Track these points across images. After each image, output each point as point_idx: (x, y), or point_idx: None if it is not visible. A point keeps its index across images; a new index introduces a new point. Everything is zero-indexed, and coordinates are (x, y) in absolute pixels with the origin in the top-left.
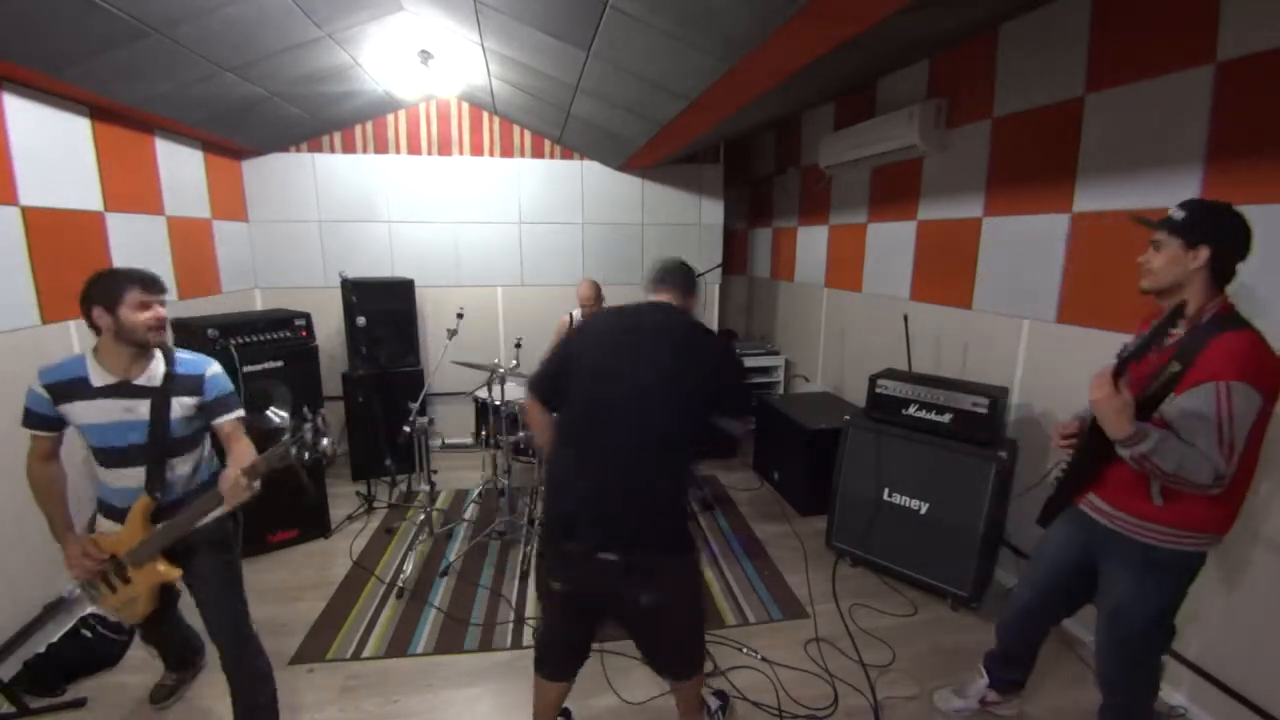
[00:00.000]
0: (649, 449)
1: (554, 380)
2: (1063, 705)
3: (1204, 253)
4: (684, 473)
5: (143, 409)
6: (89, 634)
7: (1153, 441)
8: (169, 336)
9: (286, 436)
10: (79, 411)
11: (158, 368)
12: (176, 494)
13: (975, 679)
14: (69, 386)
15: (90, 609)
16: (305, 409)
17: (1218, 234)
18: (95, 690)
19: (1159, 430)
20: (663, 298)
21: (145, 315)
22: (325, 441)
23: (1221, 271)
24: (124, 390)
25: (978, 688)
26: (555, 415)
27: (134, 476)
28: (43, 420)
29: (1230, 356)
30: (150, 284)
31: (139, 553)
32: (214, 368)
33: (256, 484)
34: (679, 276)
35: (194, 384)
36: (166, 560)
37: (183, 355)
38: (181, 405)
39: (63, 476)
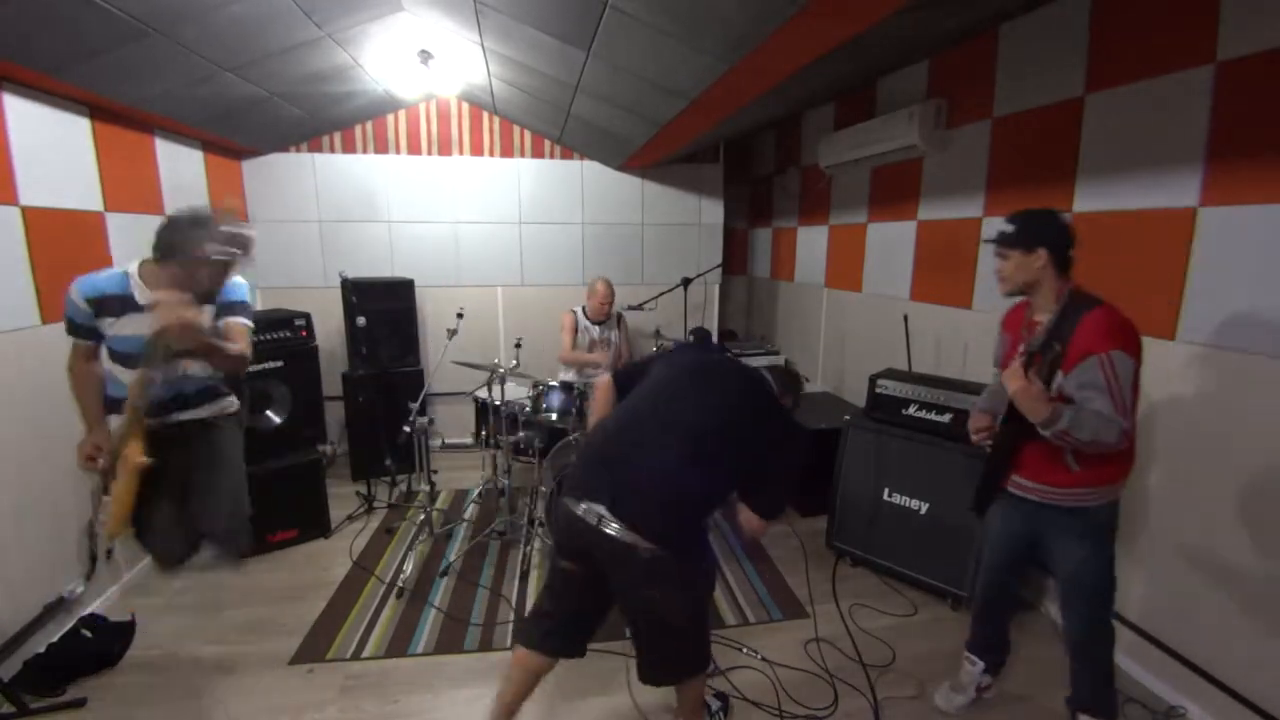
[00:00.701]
0: (688, 460)
1: (637, 370)
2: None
3: (1042, 253)
4: (712, 497)
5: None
6: (89, 634)
7: (1068, 417)
8: None
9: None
10: (118, 324)
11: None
12: (190, 389)
13: (966, 669)
14: (112, 302)
15: (90, 609)
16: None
17: (1046, 235)
18: (95, 690)
19: (1070, 406)
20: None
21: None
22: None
23: (1061, 263)
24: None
25: (973, 676)
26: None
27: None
28: (86, 330)
29: (1100, 331)
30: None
31: (118, 432)
32: (237, 279)
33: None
34: (783, 381)
35: (223, 305)
36: (143, 449)
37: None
38: (206, 313)
39: (100, 375)
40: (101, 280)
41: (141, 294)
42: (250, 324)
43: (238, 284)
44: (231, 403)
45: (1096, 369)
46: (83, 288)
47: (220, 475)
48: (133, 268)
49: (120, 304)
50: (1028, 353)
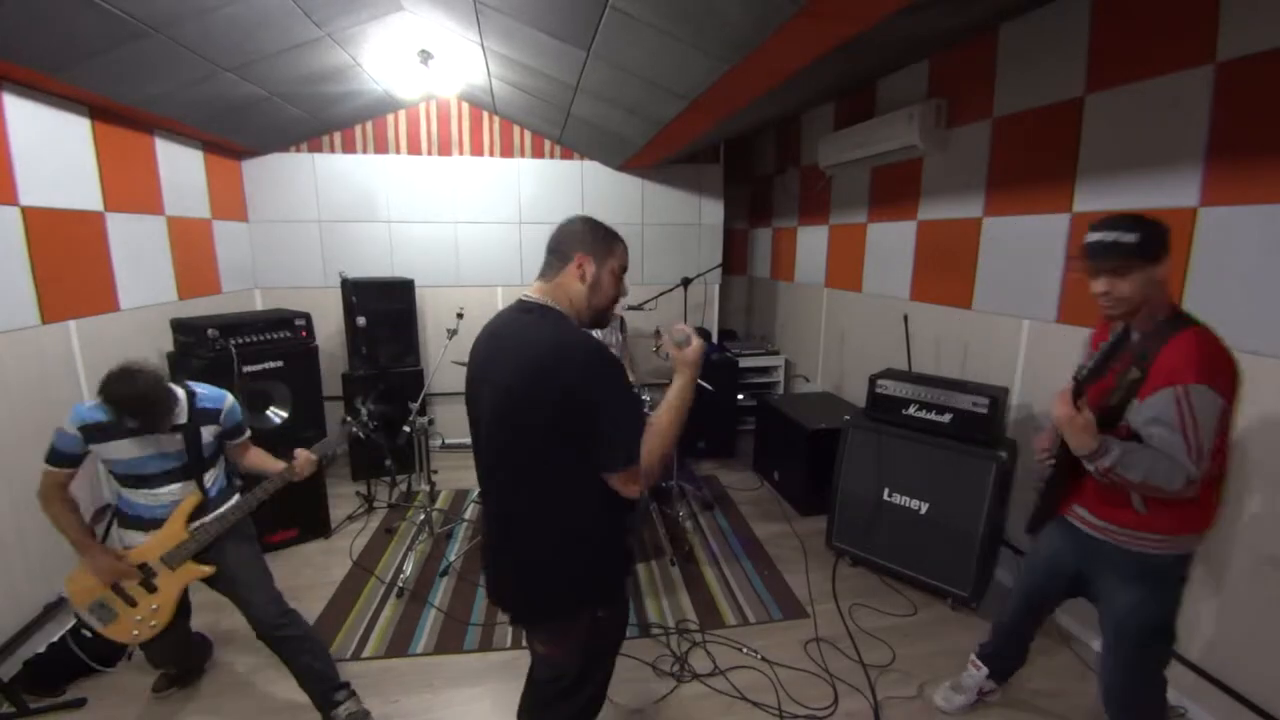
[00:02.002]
0: (512, 489)
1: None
2: (1056, 706)
3: (1167, 262)
4: (574, 515)
5: (175, 442)
6: (89, 634)
7: (1115, 454)
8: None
9: (346, 425)
10: (111, 448)
11: (184, 407)
12: (210, 499)
13: (970, 672)
14: (103, 427)
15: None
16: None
17: (1165, 243)
18: (95, 690)
19: (1121, 442)
20: (532, 293)
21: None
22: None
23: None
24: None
25: (975, 680)
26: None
27: (168, 493)
28: (71, 459)
29: (1185, 359)
30: None
31: (177, 554)
32: (228, 400)
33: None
34: (566, 240)
35: (213, 416)
36: (196, 560)
37: (200, 390)
38: (207, 433)
39: (76, 501)
40: (90, 410)
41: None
42: (249, 433)
43: (233, 408)
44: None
45: (1170, 403)
46: (75, 418)
47: (256, 562)
48: None
49: (112, 428)
50: (1078, 380)
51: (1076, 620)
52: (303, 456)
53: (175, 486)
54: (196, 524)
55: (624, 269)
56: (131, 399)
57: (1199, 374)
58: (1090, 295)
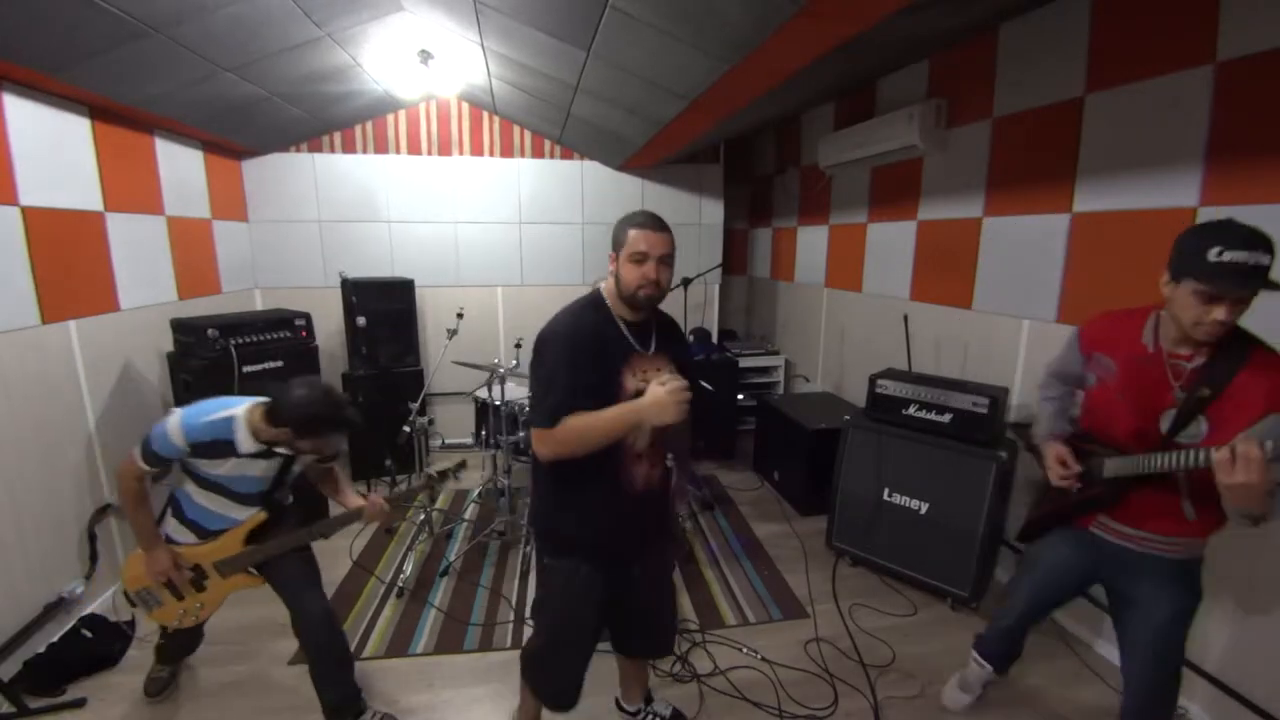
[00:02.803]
0: None
1: None
2: (1059, 707)
3: None
4: (537, 469)
5: (273, 469)
6: (89, 634)
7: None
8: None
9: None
10: (211, 465)
11: None
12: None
13: (975, 669)
14: (213, 447)
15: (90, 609)
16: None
17: None
18: (95, 690)
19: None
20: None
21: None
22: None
23: None
24: (265, 454)
25: (981, 676)
26: None
27: (242, 511)
28: (165, 461)
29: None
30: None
31: (231, 564)
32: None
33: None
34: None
35: None
36: (248, 572)
37: None
38: (301, 463)
39: (150, 496)
40: (210, 426)
41: (245, 444)
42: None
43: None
44: None
45: (1276, 426)
46: (189, 432)
47: (308, 560)
48: (240, 413)
49: (222, 449)
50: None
51: (1074, 619)
52: (376, 504)
53: (254, 510)
54: (254, 546)
55: (640, 254)
56: (342, 421)
57: None
58: (1091, 296)
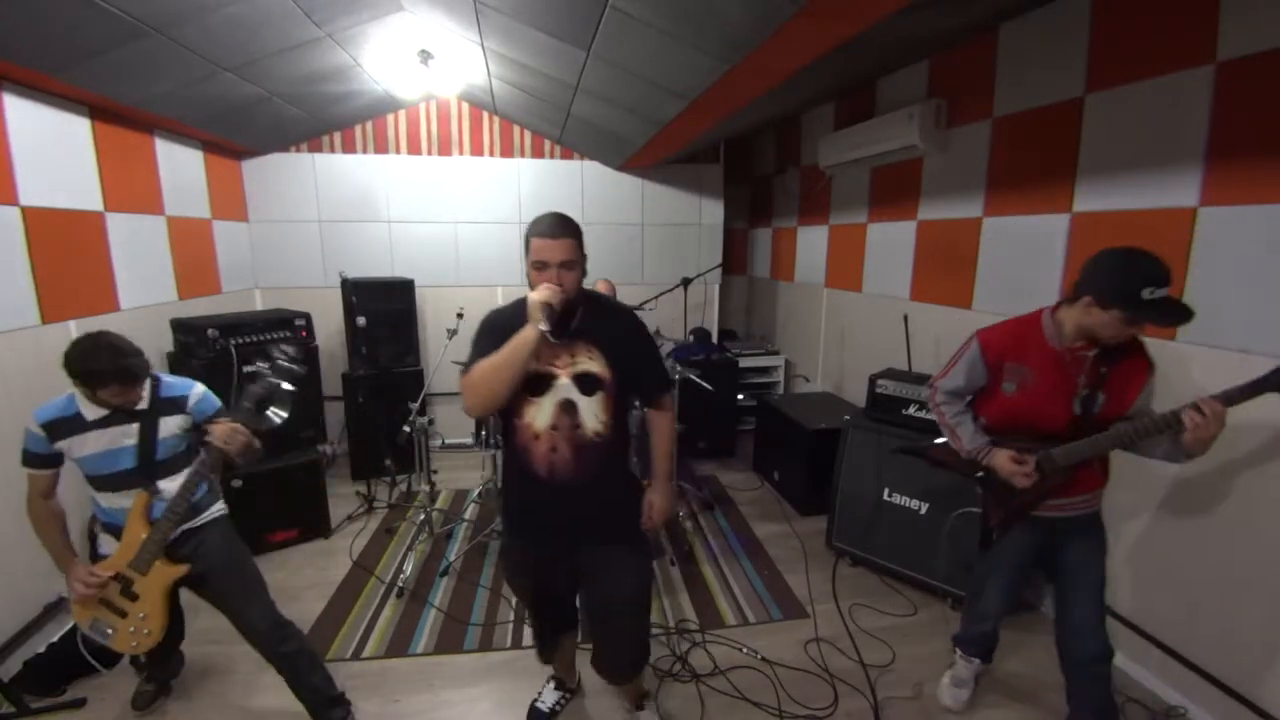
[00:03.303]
0: None
1: None
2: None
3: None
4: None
5: (132, 432)
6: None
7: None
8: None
9: (262, 369)
10: (75, 445)
11: (145, 393)
12: (203, 494)
13: (965, 665)
14: (64, 424)
15: None
16: (273, 350)
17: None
18: (95, 690)
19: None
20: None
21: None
22: (299, 368)
23: None
24: (114, 419)
25: (973, 670)
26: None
27: (129, 497)
28: (41, 459)
29: (1144, 349)
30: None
31: (142, 556)
32: (198, 388)
33: (256, 442)
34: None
35: (179, 404)
36: (169, 560)
37: (167, 379)
38: (169, 425)
39: (62, 511)
40: (51, 406)
41: (89, 411)
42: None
43: (204, 395)
44: (221, 502)
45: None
46: (38, 415)
47: (246, 570)
48: (77, 390)
49: (73, 423)
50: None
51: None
52: (218, 429)
53: (132, 492)
54: (158, 518)
55: (539, 263)
56: (105, 351)
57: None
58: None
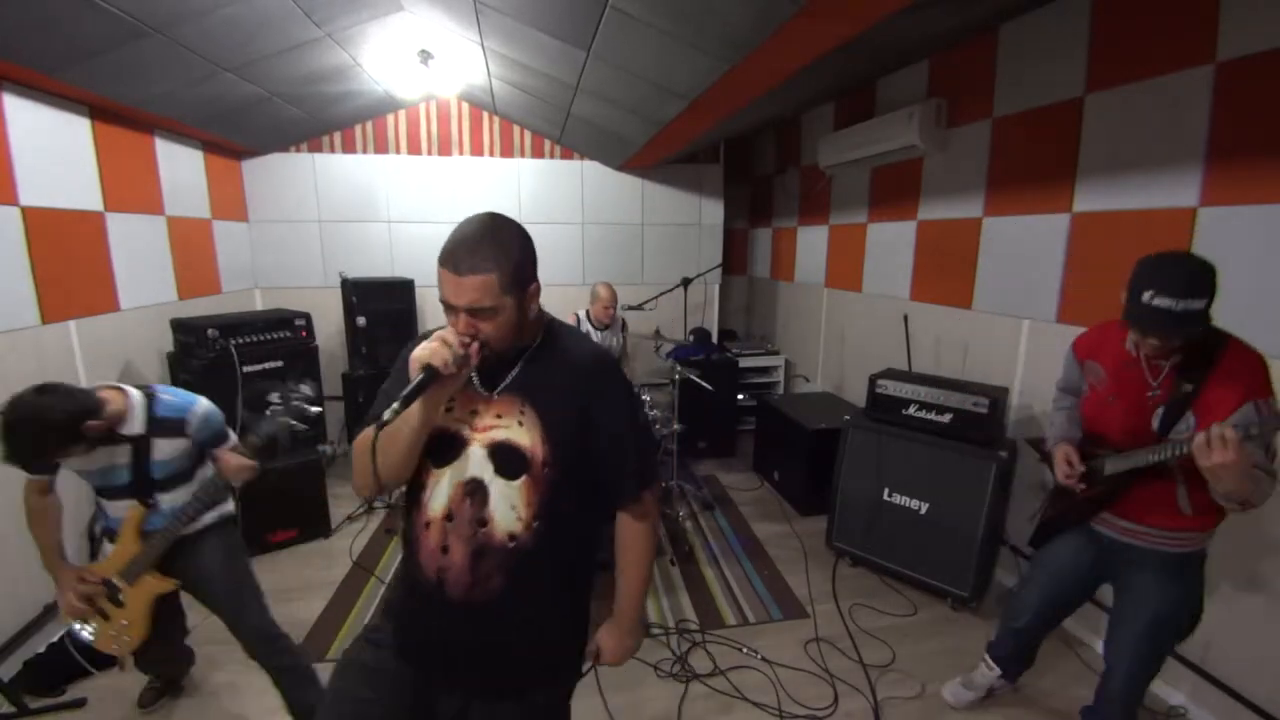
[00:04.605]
0: None
1: None
2: (1061, 706)
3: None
4: None
5: (124, 453)
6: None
7: (1262, 488)
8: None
9: (275, 407)
10: (67, 460)
11: (138, 414)
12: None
13: (984, 671)
14: None
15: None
16: (290, 384)
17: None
18: (95, 690)
19: (1256, 471)
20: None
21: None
22: (313, 409)
23: None
24: (102, 439)
25: (988, 679)
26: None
27: (124, 507)
28: (34, 467)
29: (1253, 373)
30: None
31: (132, 568)
32: (198, 407)
33: (255, 465)
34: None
35: (177, 426)
36: (159, 574)
37: (165, 397)
38: (164, 448)
39: (58, 507)
40: None
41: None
42: (235, 440)
43: (205, 415)
44: (229, 504)
45: (1254, 415)
46: None
47: (239, 580)
48: None
49: None
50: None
51: (1074, 620)
52: (229, 465)
53: (130, 502)
54: (154, 536)
55: (444, 303)
56: (16, 440)
57: (1266, 388)
58: (1090, 296)
